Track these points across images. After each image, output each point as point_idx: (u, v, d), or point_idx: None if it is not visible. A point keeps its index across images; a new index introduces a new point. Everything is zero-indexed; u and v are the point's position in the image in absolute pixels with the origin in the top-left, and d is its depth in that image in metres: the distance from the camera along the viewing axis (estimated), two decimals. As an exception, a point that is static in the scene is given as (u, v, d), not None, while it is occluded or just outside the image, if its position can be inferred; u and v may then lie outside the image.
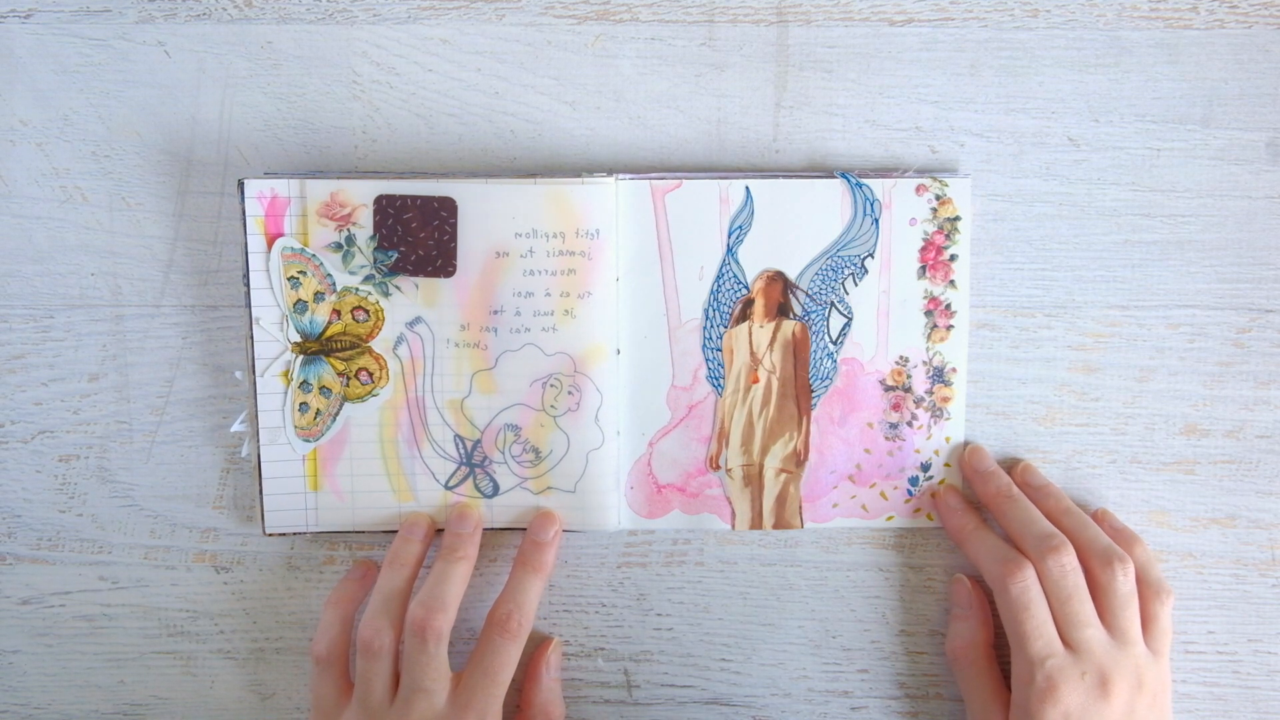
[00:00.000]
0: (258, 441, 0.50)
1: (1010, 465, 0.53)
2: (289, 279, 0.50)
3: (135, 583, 0.54)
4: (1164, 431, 0.54)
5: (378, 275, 0.50)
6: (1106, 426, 0.53)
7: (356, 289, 0.50)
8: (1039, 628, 0.48)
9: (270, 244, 0.49)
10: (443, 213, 0.49)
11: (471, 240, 0.50)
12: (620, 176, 0.50)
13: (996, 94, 0.52)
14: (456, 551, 0.50)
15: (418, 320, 0.50)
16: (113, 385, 0.53)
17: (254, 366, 0.50)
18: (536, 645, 0.53)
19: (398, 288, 0.50)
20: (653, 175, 0.50)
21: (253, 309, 0.50)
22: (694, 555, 0.54)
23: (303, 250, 0.49)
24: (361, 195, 0.49)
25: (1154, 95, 0.52)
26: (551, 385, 0.51)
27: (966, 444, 0.53)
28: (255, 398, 0.50)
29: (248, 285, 0.49)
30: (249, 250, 0.49)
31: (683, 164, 0.52)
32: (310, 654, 0.51)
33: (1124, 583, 0.49)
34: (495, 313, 0.50)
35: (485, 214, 0.49)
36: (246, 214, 0.49)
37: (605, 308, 0.50)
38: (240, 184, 0.49)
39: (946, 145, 0.52)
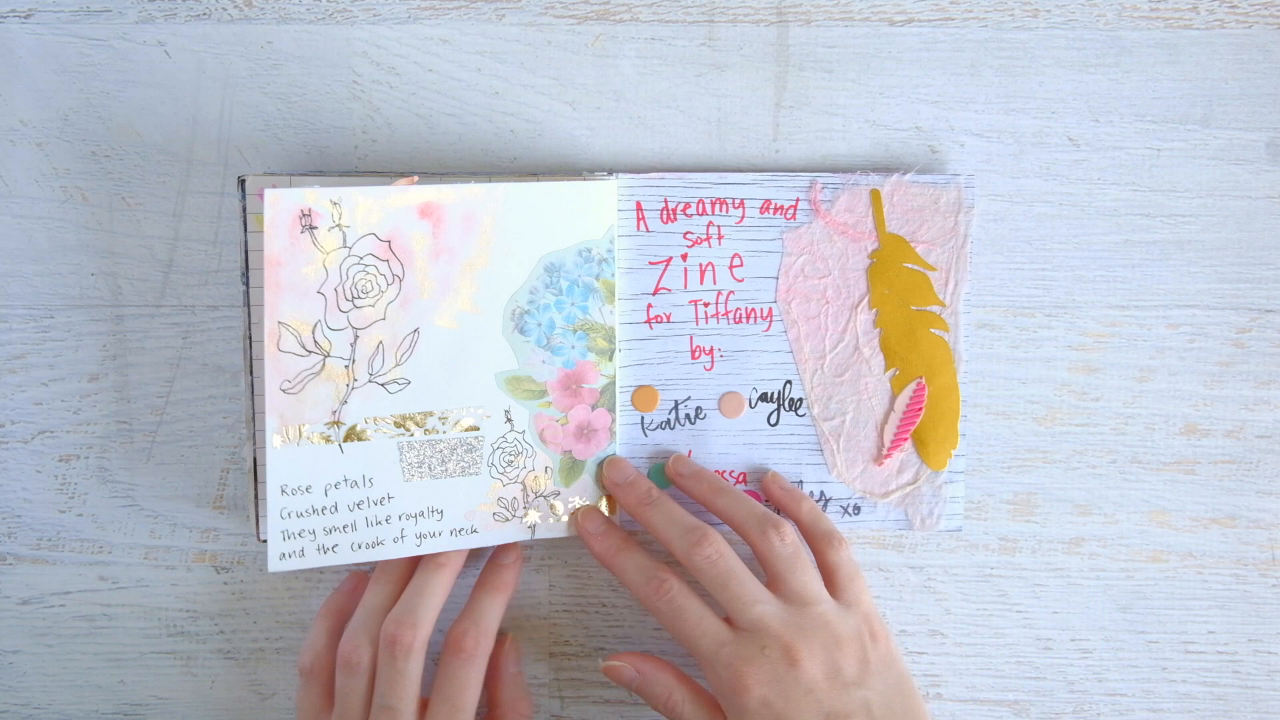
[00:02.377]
0: (254, 445, 0.50)
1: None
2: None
3: (135, 583, 0.54)
4: (1164, 431, 0.54)
5: None
6: (1106, 426, 0.54)
7: None
8: (699, 625, 0.45)
9: None
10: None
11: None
12: (620, 175, 0.50)
13: (996, 94, 0.52)
14: (437, 558, 0.49)
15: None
16: (113, 385, 0.53)
17: (252, 366, 0.50)
18: (495, 643, 0.51)
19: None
20: (653, 174, 0.51)
21: (251, 307, 0.49)
22: (694, 555, 0.54)
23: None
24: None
25: (1154, 95, 0.52)
26: None
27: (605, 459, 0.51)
28: (253, 398, 0.50)
29: (246, 284, 0.49)
30: (248, 248, 0.49)
31: (683, 164, 0.52)
32: (297, 665, 0.50)
33: (782, 546, 0.47)
34: None
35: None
36: (247, 211, 0.49)
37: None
38: (241, 181, 0.48)
39: (947, 145, 0.52)
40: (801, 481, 0.52)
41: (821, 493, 0.52)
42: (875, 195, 0.51)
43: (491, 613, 0.49)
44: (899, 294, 0.51)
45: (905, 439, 0.52)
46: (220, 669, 0.54)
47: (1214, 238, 0.53)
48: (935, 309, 0.51)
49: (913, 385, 0.52)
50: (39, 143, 0.51)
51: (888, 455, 0.52)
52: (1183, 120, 0.52)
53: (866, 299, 0.51)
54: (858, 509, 0.53)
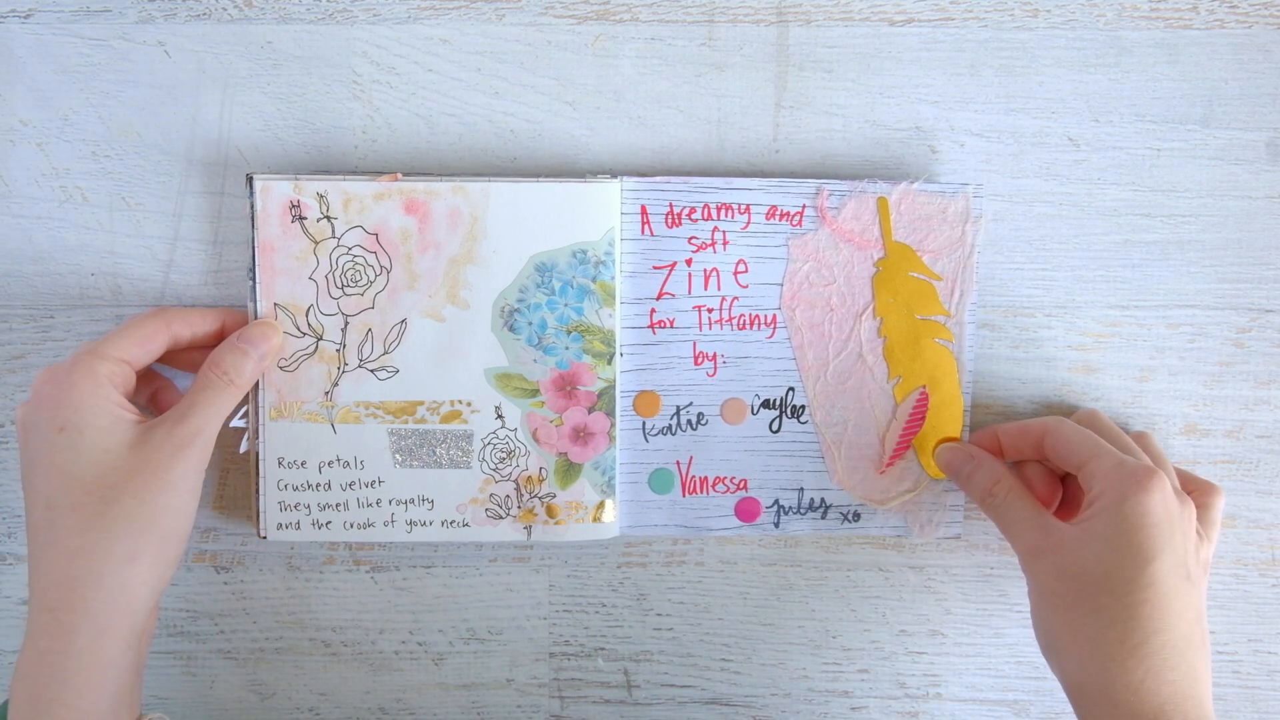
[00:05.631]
0: (258, 439, 0.50)
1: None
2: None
3: (135, 583, 0.53)
4: (1164, 431, 0.54)
5: None
6: (1106, 426, 0.53)
7: None
8: (1103, 442, 0.47)
9: None
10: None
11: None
12: (625, 179, 0.50)
13: (996, 94, 0.52)
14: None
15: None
16: (113, 385, 0.52)
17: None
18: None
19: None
20: (658, 178, 0.50)
21: (258, 302, 0.50)
22: (694, 555, 0.54)
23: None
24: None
25: (1154, 95, 0.52)
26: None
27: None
28: (257, 392, 0.50)
29: (254, 279, 0.49)
30: (256, 244, 0.49)
31: (683, 164, 0.52)
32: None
33: (1158, 444, 0.51)
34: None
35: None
36: (255, 209, 0.49)
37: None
38: (249, 179, 0.49)
39: (946, 145, 0.52)
40: (802, 489, 0.52)
41: (822, 500, 0.52)
42: (882, 203, 0.51)
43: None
44: (904, 303, 0.51)
45: (906, 447, 0.52)
46: (220, 669, 0.54)
47: (1214, 238, 0.53)
48: (940, 319, 0.51)
49: (915, 394, 0.52)
50: (39, 143, 0.51)
51: (889, 464, 0.52)
52: (1183, 120, 0.52)
53: (871, 307, 0.51)
54: (857, 516, 0.53)
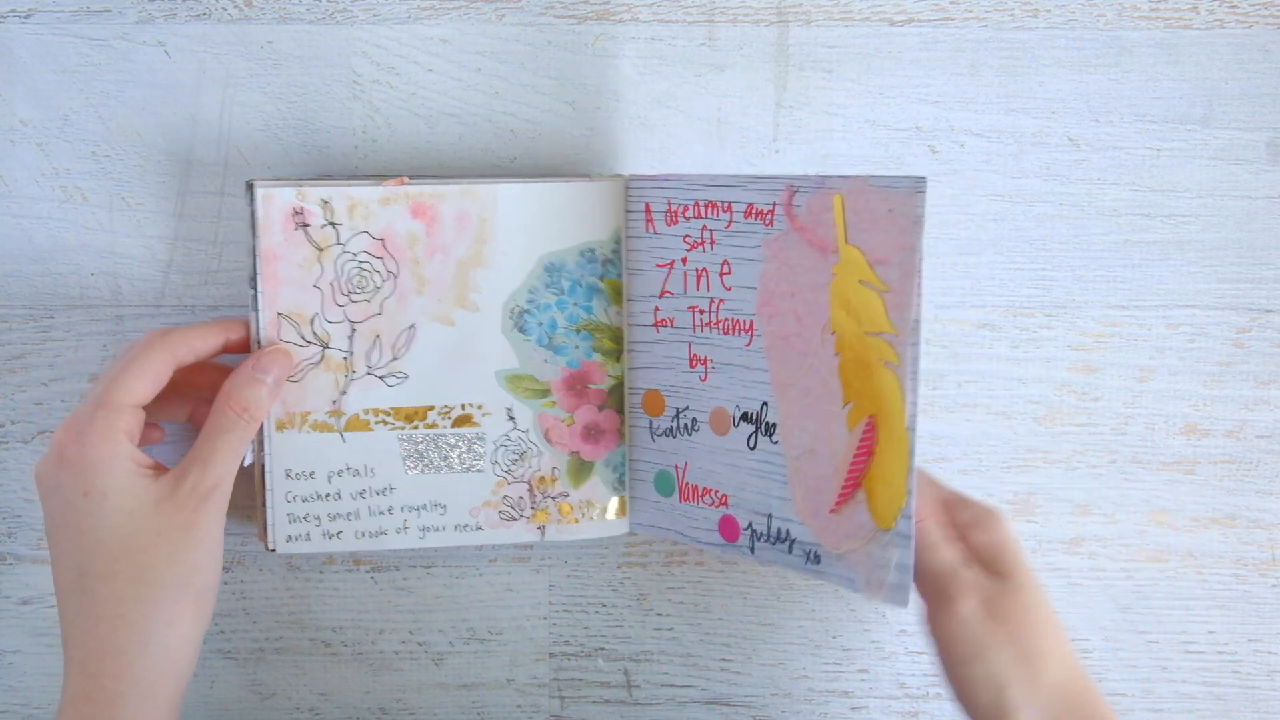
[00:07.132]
0: (262, 450, 0.50)
1: None
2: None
3: (135, 583, 0.53)
4: (1164, 431, 0.54)
5: None
6: (1106, 426, 0.53)
7: None
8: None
9: None
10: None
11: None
12: (631, 177, 0.50)
13: (996, 94, 0.52)
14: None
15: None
16: (113, 385, 0.52)
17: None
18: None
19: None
20: (658, 176, 0.50)
21: (260, 311, 0.49)
22: (694, 555, 0.54)
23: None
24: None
25: (1154, 95, 0.52)
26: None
27: None
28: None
29: (255, 289, 0.49)
30: (257, 253, 0.48)
31: (683, 164, 0.52)
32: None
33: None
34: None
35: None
36: (256, 217, 0.48)
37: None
38: (250, 185, 0.48)
39: (946, 145, 0.52)
40: (770, 515, 0.47)
41: (787, 531, 0.47)
42: (838, 201, 0.43)
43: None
44: (854, 316, 0.43)
45: (856, 486, 0.44)
46: (220, 669, 0.54)
47: (1214, 238, 0.53)
48: (886, 336, 0.42)
49: (863, 424, 0.44)
50: (39, 143, 0.51)
51: (838, 503, 0.45)
52: (1183, 120, 0.52)
53: (829, 319, 0.44)
54: (818, 558, 0.46)
